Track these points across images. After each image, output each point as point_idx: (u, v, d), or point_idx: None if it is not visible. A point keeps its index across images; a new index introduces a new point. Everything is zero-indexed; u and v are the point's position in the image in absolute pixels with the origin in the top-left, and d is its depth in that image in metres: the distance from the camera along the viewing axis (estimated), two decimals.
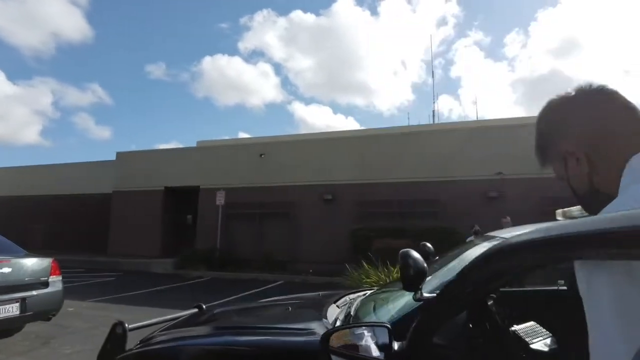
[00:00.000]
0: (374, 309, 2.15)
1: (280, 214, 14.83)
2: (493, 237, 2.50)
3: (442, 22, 78.06)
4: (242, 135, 40.08)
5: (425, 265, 1.52)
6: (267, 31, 79.69)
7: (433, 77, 61.50)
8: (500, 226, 7.90)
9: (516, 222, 8.64)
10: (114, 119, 66.84)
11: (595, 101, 0.86)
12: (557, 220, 2.82)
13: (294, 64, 72.33)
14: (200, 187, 16.21)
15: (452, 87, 70.13)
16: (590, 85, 0.88)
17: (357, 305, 2.36)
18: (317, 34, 74.93)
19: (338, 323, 1.99)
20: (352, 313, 2.15)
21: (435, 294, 1.37)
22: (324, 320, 2.02)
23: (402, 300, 1.96)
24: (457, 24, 73.96)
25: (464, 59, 72.59)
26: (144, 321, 2.14)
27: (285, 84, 73.83)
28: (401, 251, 1.57)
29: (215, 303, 4.36)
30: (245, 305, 3.22)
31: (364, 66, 75.93)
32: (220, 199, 14.44)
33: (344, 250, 12.66)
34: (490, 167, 12.66)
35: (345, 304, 2.50)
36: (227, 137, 30.33)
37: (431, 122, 27.27)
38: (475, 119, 22.83)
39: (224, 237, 14.71)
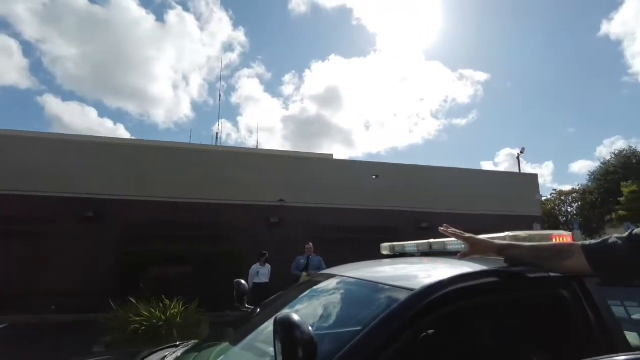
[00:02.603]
0: None
1: (18, 232, 11.22)
2: (333, 276, 2.11)
3: (229, 47, 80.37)
4: None
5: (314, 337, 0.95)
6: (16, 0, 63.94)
7: (220, 99, 61.78)
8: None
9: (298, 249, 8.96)
10: None
11: None
12: (382, 253, 2.68)
13: (52, 48, 60.01)
14: None
15: (232, 113, 72.18)
16: None
17: None
18: (88, 22, 64.52)
19: None
20: None
21: None
22: None
23: None
24: (242, 53, 77.44)
25: (246, 88, 76.20)
26: None
27: (37, 69, 60.73)
28: (279, 318, 1.01)
29: None
30: None
31: (141, 71, 70.13)
32: None
33: (106, 280, 10.41)
34: (272, 194, 13.02)
35: None
36: None
37: (214, 143, 26.88)
38: (253, 146, 23.74)
39: None
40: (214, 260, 9.77)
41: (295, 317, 0.97)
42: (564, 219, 35.61)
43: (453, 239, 1.91)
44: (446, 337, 1.35)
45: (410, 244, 2.27)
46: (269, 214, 12.73)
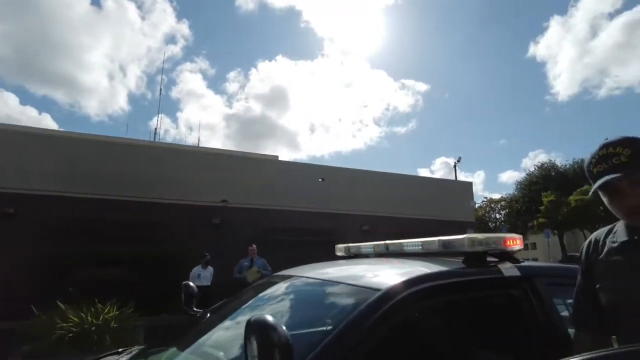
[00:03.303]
0: None
1: None
2: (291, 277, 2.08)
3: (172, 40, 77.44)
4: None
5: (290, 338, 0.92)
6: None
7: (161, 93, 59.15)
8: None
9: (242, 251, 8.75)
10: None
11: None
12: (337, 254, 2.68)
13: None
14: None
15: (171, 108, 69.42)
16: None
17: None
18: None
19: None
20: None
21: None
22: None
23: None
24: (186, 47, 74.96)
25: (188, 83, 73.53)
26: None
27: None
28: (254, 320, 0.97)
29: None
30: None
31: (72, 58, 65.44)
32: None
33: (28, 284, 9.49)
34: (215, 194, 12.63)
35: None
36: None
37: (152, 139, 25.69)
38: (193, 144, 22.99)
39: None
40: (151, 262, 9.26)
41: (271, 318, 0.92)
42: (493, 225, 38.19)
43: (410, 240, 1.94)
44: (411, 335, 1.36)
45: (366, 245, 2.28)
46: (211, 214, 12.32)
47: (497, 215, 39.64)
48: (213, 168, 13.06)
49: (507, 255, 1.69)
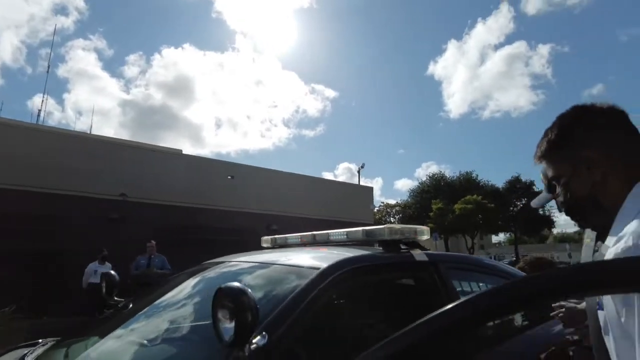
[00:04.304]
0: None
1: None
2: (221, 263, 2.19)
3: (62, 11, 69.23)
4: None
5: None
6: None
7: (49, 69, 52.22)
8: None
9: (142, 249, 8.27)
10: None
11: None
12: (262, 246, 2.82)
13: None
14: None
15: (57, 87, 61.98)
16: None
17: None
18: None
19: None
20: None
21: None
22: None
23: None
24: (79, 21, 67.56)
25: (79, 61, 66.21)
26: None
27: None
28: (226, 287, 1.09)
29: None
30: None
31: None
32: None
33: None
34: (113, 187, 11.72)
35: None
36: None
37: (33, 121, 22.83)
38: (82, 130, 21.03)
39: None
40: (40, 258, 8.28)
41: (241, 285, 1.05)
42: None
43: (336, 230, 2.18)
44: (342, 307, 1.58)
45: (292, 236, 2.45)
46: (108, 208, 11.40)
47: (392, 220, 42.73)
48: (111, 158, 12.07)
49: (416, 244, 2.02)
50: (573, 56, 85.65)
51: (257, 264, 1.84)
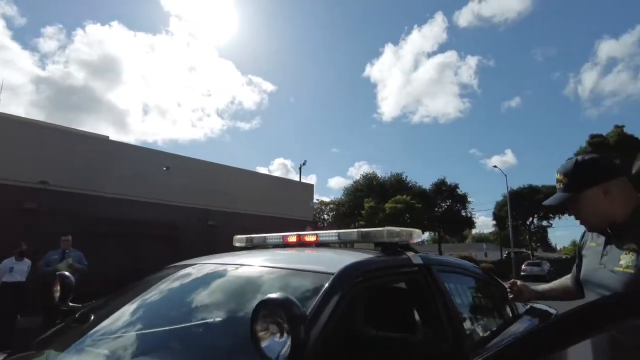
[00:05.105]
0: None
1: None
2: (190, 265, 2.02)
3: None
4: None
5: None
6: None
7: None
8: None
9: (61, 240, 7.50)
10: None
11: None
12: (235, 245, 2.65)
13: None
14: None
15: None
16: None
17: None
18: None
19: None
20: None
21: None
22: None
23: None
24: None
25: None
26: None
27: None
28: (274, 298, 0.97)
29: None
30: None
31: None
32: None
33: None
34: (30, 173, 10.52)
35: None
36: None
37: None
38: None
39: None
40: None
41: (288, 295, 0.93)
42: (322, 225, 41.59)
43: (326, 231, 2.09)
44: (354, 311, 1.50)
45: (272, 236, 2.30)
46: (23, 197, 10.20)
47: (326, 217, 43.42)
48: (28, 142, 10.81)
49: (409, 247, 2.00)
50: (496, 70, 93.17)
51: (258, 266, 1.69)
